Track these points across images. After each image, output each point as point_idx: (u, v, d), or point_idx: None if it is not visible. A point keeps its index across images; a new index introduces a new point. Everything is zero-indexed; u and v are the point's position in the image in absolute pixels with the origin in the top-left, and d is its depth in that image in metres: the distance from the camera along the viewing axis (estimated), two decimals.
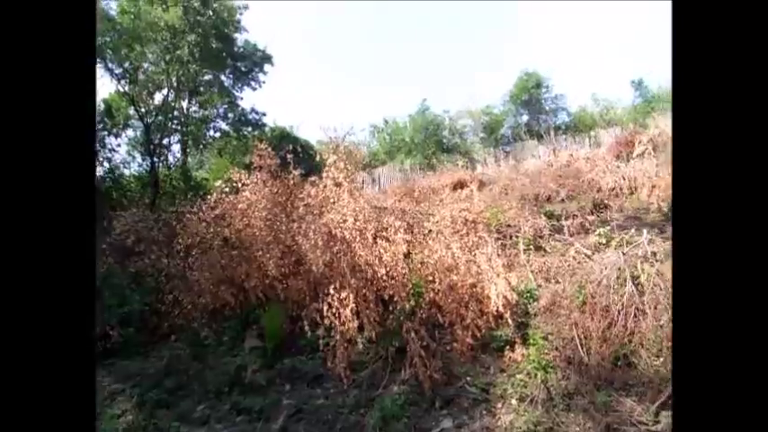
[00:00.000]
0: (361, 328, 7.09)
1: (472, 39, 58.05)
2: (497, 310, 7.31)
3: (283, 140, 19.16)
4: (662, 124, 18.63)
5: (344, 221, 7.99)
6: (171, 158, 19.63)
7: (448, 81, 52.91)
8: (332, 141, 9.48)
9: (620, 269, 7.91)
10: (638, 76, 28.48)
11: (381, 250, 7.72)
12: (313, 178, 9.33)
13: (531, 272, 9.18)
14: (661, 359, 6.53)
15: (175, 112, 19.07)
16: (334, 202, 8.52)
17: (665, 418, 5.63)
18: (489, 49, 56.91)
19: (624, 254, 8.30)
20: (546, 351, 7.08)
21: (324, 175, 8.87)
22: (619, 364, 6.68)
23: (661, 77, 30.25)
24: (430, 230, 8.61)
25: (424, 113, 27.19)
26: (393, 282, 7.40)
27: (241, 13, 19.41)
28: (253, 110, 21.64)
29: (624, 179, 13.88)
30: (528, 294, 8.28)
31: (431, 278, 7.71)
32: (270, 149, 9.62)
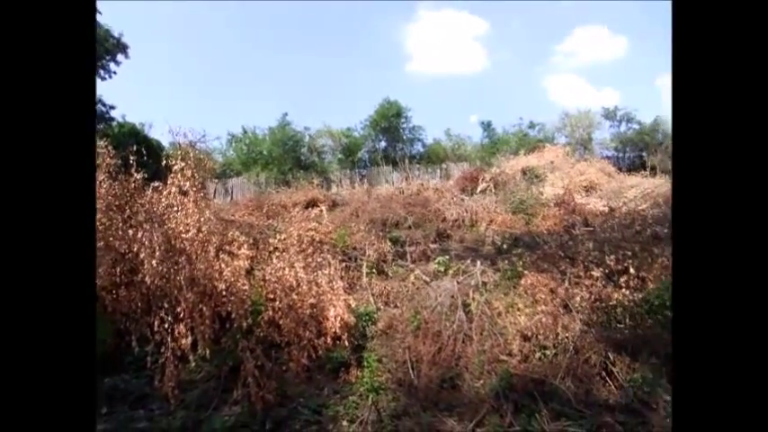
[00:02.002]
0: (194, 346, 6.75)
1: (342, 59, 59.28)
2: (335, 332, 7.44)
3: (132, 138, 17.88)
4: (504, 164, 20.50)
5: (187, 232, 7.60)
6: None
7: (311, 98, 53.33)
8: (182, 147, 9.00)
9: (453, 297, 8.52)
10: (488, 119, 31.44)
11: (223, 265, 7.48)
12: (158, 184, 8.76)
13: (372, 295, 9.50)
14: (481, 381, 7.08)
15: None
16: (177, 211, 8.07)
17: None
18: (357, 72, 58.51)
19: (459, 282, 8.94)
20: (379, 373, 7.33)
21: (169, 181, 8.37)
22: (445, 386, 7.10)
23: (506, 122, 33.64)
24: (276, 248, 8.54)
25: (284, 128, 27.10)
26: (232, 298, 7.17)
27: None
28: (100, 101, 20.13)
29: (467, 212, 14.98)
30: (367, 317, 8.53)
31: (271, 296, 7.62)
32: (110, 147, 8.86)
